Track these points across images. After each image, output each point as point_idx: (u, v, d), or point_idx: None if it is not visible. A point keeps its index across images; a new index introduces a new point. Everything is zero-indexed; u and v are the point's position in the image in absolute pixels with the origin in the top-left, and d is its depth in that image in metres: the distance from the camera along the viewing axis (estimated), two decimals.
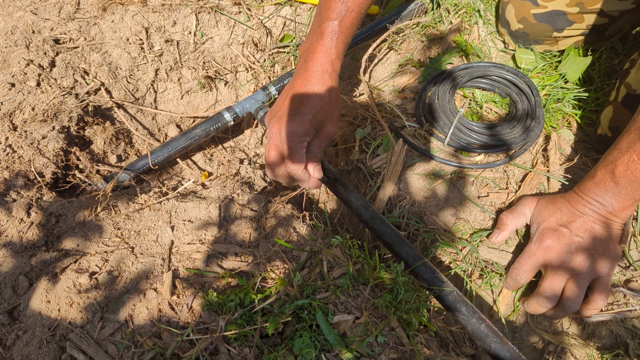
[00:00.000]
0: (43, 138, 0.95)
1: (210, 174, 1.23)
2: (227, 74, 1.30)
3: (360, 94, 1.35)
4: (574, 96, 1.09)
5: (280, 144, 0.82)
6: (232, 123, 1.12)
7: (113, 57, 1.12)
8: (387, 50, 1.37)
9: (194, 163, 1.27)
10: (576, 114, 1.07)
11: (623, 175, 0.75)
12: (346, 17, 0.84)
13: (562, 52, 1.16)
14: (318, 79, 0.83)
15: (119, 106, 1.14)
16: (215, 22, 1.23)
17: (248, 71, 1.31)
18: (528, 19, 1.10)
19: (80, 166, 1.01)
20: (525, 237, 0.93)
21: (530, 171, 0.98)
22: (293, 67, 1.32)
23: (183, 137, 1.08)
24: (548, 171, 0.97)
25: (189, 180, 1.05)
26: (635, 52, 0.93)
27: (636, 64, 0.88)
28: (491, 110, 1.10)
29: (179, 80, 1.22)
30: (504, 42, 1.23)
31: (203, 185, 0.99)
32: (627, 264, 0.88)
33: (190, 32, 1.20)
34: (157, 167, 1.08)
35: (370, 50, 1.34)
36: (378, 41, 1.24)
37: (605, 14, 1.02)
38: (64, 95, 1.03)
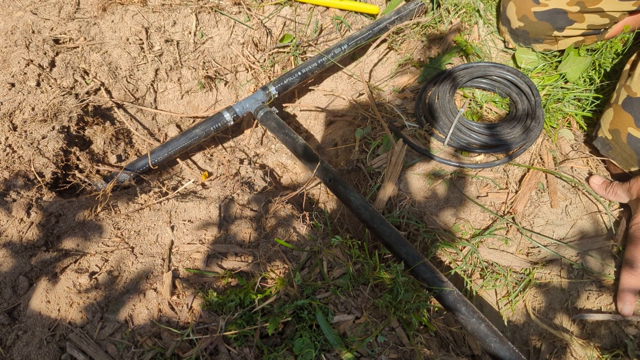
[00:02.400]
0: (43, 138, 0.95)
1: (210, 174, 1.23)
2: (227, 74, 1.30)
3: (360, 94, 1.35)
4: (574, 96, 1.09)
5: None
6: (232, 123, 1.12)
7: (113, 57, 1.12)
8: (387, 50, 1.37)
9: (194, 163, 1.27)
10: (576, 114, 1.07)
11: None
12: None
13: (562, 52, 1.16)
14: None
15: (119, 106, 1.14)
16: (215, 22, 1.23)
17: (248, 71, 1.31)
18: (529, 17, 1.10)
19: (80, 166, 1.01)
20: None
21: (530, 168, 0.98)
22: (293, 67, 1.32)
23: (183, 137, 1.08)
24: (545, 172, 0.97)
25: (189, 180, 1.05)
26: (635, 53, 0.93)
27: (637, 66, 0.88)
28: (491, 110, 1.10)
29: (179, 80, 1.22)
30: (504, 40, 1.23)
31: (203, 185, 0.99)
32: None
33: (190, 32, 1.20)
34: (157, 167, 1.08)
35: (370, 50, 1.34)
36: (378, 41, 1.24)
37: (606, 14, 1.02)
38: (64, 95, 1.03)
